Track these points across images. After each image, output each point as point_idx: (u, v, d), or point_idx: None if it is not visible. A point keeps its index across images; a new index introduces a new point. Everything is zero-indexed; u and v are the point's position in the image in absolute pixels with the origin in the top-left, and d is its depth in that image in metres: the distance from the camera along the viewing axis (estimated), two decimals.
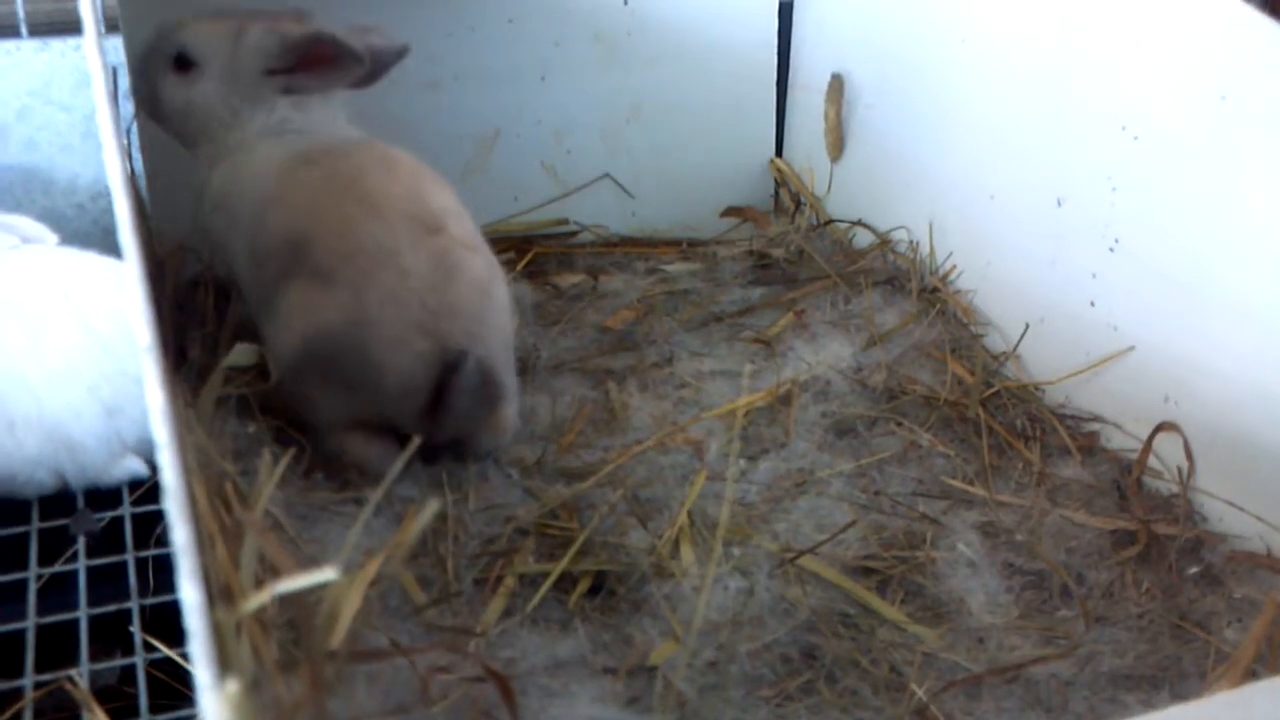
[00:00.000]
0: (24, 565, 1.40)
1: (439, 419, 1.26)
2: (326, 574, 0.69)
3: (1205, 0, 1.29)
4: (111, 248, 1.44)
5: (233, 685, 0.60)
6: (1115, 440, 1.45)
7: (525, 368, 1.52)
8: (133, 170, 1.50)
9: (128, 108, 1.54)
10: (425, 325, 1.25)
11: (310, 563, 1.13)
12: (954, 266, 1.70)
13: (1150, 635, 1.19)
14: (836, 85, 1.86)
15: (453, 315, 1.26)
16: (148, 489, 1.50)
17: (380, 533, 1.21)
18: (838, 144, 1.88)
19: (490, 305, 1.31)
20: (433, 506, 0.85)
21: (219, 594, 0.87)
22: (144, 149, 1.57)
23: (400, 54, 1.45)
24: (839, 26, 1.87)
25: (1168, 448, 1.38)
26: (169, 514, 0.71)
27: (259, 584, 0.93)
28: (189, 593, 0.65)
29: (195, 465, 1.03)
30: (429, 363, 1.25)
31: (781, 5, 1.89)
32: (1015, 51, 1.56)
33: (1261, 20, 1.25)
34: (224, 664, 0.71)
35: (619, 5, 1.80)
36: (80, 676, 1.27)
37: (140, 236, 0.94)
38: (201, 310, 1.47)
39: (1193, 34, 1.31)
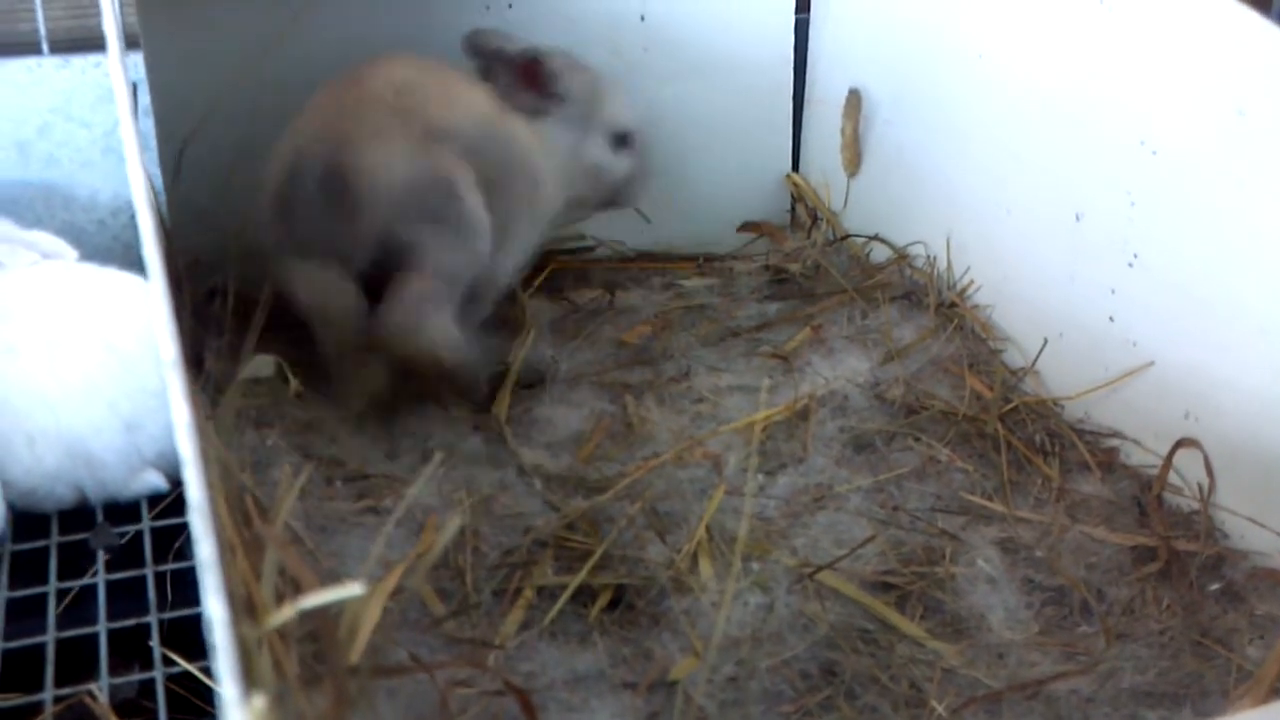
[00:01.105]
0: (44, 580, 1.41)
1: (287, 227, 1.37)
2: (351, 590, 0.69)
3: (1223, 14, 1.29)
4: (131, 263, 1.45)
5: (259, 701, 0.60)
6: (1135, 456, 1.45)
7: (543, 380, 1.53)
8: (152, 186, 1.51)
9: (148, 124, 1.55)
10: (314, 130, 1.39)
11: (330, 576, 1.13)
12: (971, 281, 1.70)
13: (1171, 652, 1.18)
14: (853, 100, 1.86)
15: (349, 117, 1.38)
16: (167, 503, 1.50)
17: (399, 543, 1.21)
18: (854, 159, 1.88)
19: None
20: (455, 523, 0.85)
21: (240, 608, 0.87)
22: (163, 165, 1.58)
23: None
24: (855, 41, 1.87)
25: (1188, 464, 1.37)
26: (191, 528, 0.72)
27: (280, 598, 0.93)
28: (214, 609, 0.65)
29: (217, 480, 1.03)
30: (284, 163, 1.38)
31: (798, 20, 1.89)
32: (1032, 66, 1.56)
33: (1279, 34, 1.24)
34: (248, 679, 0.71)
35: (635, 21, 1.81)
36: (100, 691, 1.27)
37: (162, 252, 0.94)
38: (219, 321, 1.47)
39: (1210, 48, 1.31)
